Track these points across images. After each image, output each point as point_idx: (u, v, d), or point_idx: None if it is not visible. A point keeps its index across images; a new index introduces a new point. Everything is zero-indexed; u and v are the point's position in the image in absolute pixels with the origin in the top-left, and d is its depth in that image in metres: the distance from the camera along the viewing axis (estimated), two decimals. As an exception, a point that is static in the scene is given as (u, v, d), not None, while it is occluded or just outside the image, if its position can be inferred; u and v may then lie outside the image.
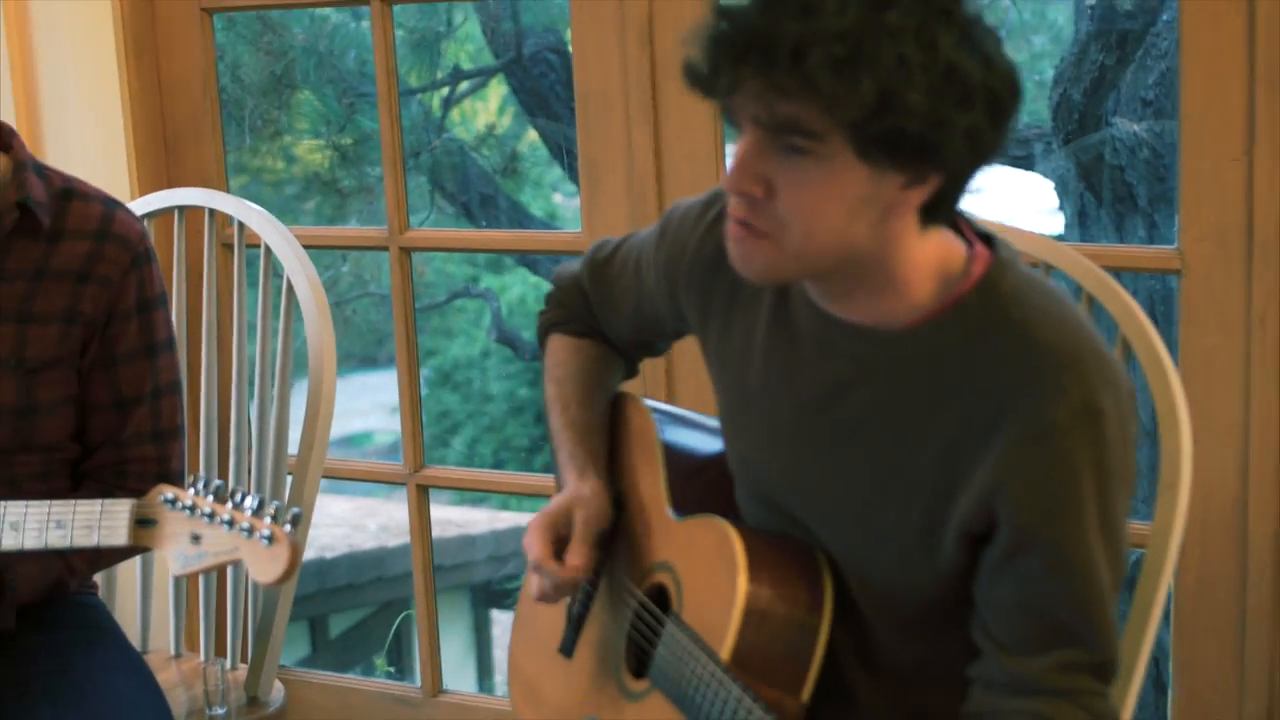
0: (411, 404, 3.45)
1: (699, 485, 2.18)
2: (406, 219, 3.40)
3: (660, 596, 2.11)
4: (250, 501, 2.05)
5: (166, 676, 2.79)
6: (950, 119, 1.69)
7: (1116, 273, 2.29)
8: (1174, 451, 2.17)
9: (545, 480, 3.37)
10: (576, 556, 2.12)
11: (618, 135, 3.13)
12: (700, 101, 2.95)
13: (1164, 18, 4.64)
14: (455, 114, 6.24)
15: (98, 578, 2.71)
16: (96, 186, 2.47)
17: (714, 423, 2.23)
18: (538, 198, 7.13)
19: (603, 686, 2.18)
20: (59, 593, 2.53)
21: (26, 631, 2.44)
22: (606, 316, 2.29)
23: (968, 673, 1.89)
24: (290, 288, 2.76)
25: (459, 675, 8.11)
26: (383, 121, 3.34)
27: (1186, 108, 2.71)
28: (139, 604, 2.93)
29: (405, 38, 5.66)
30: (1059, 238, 4.48)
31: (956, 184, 1.79)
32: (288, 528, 2.02)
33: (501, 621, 8.61)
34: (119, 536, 2.13)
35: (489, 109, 6.66)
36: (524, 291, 8.37)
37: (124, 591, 3.00)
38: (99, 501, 2.15)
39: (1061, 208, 4.91)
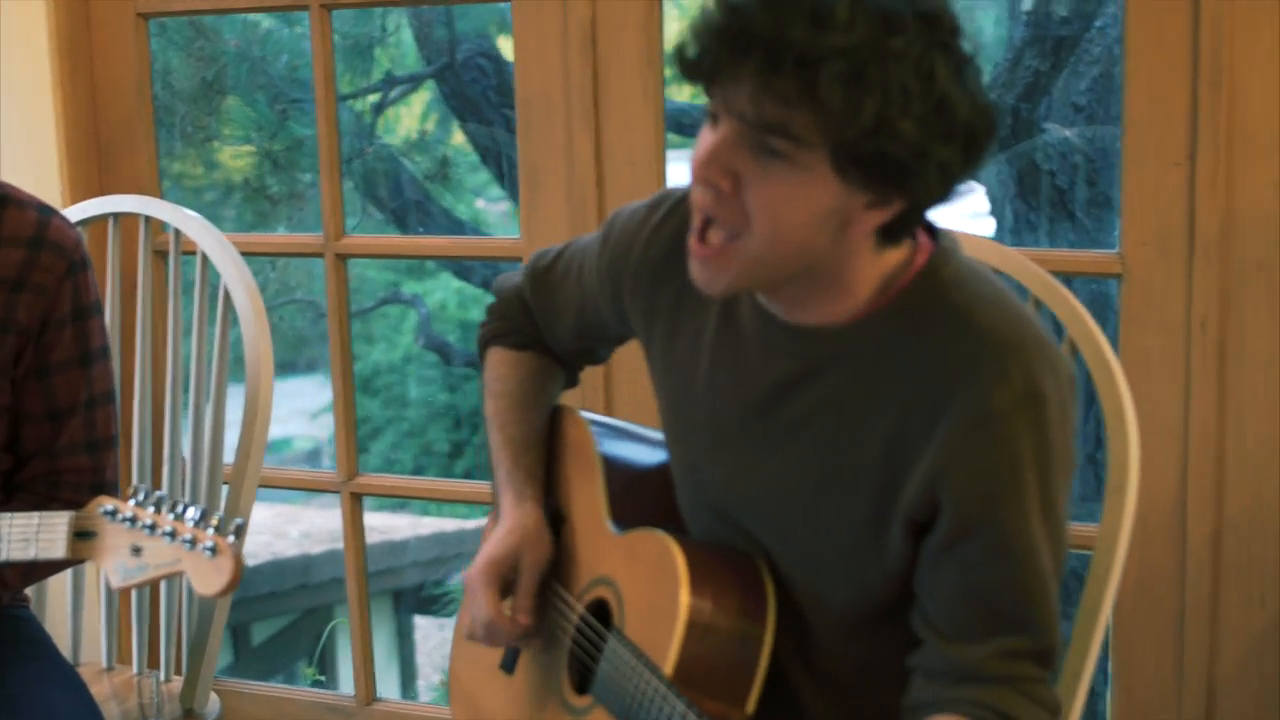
0: (346, 411, 3.42)
1: (638, 497, 2.16)
2: (342, 225, 3.37)
3: (601, 611, 2.09)
4: (192, 513, 2.02)
5: (99, 690, 2.75)
6: (931, 151, 1.69)
7: (1058, 278, 2.29)
8: (1121, 455, 2.17)
9: (479, 487, 3.35)
10: (526, 614, 2.12)
11: (559, 140, 3.11)
12: (642, 107, 3.02)
13: (1097, 24, 4.66)
14: (385, 120, 6.20)
15: (28, 590, 2.66)
16: (30, 193, 2.42)
17: (652, 434, 2.23)
18: (463, 203, 7.10)
19: (545, 703, 2.16)
20: (-9, 606, 2.49)
21: (-42, 647, 2.40)
22: (549, 325, 2.27)
23: (908, 663, 1.88)
24: (227, 295, 2.73)
25: (383, 682, 8.06)
26: (320, 128, 3.31)
27: (1130, 113, 2.72)
28: (69, 616, 2.88)
29: (339, 43, 5.62)
30: (992, 242, 4.47)
31: (917, 211, 1.78)
32: (231, 539, 2.00)
33: (424, 628, 8.58)
34: (57, 549, 2.09)
35: (417, 115, 6.63)
36: (446, 297, 8.36)
37: (54, 604, 2.95)
38: (36, 514, 2.11)
39: (994, 213, 4.92)
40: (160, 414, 2.99)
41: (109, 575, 2.07)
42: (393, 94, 5.96)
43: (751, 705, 1.90)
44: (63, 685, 2.42)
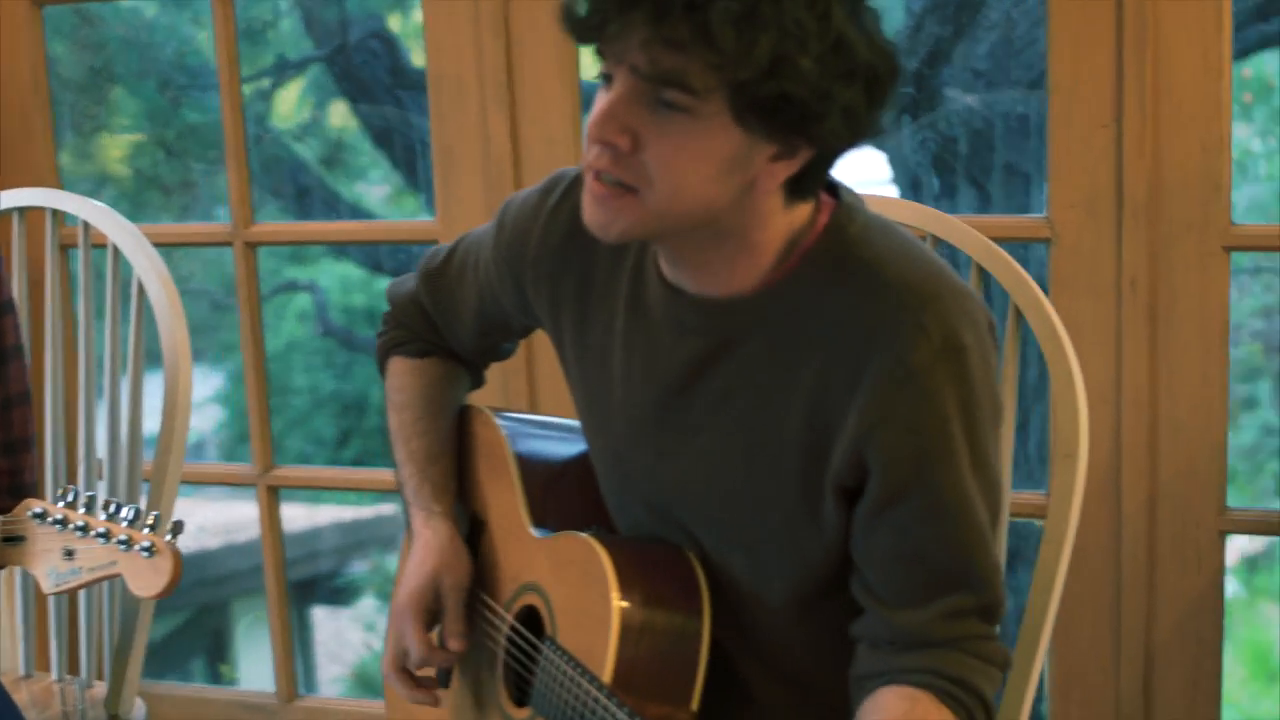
0: (259, 404, 3.35)
1: (558, 494, 2.10)
2: (250, 213, 3.29)
3: (531, 619, 2.03)
4: (126, 512, 1.96)
5: (17, 698, 2.66)
6: (833, 92, 1.64)
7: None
8: (1071, 422, 2.14)
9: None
10: (458, 638, 2.06)
11: (472, 121, 3.05)
12: (559, 85, 2.97)
13: (997, -12, 4.66)
14: (276, 105, 6.12)
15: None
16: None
17: (567, 424, 2.17)
18: (358, 186, 7.03)
19: (484, 716, 2.10)
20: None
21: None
22: (448, 325, 2.19)
23: (851, 632, 1.85)
24: (140, 287, 2.65)
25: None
26: (225, 114, 3.24)
27: (1054, 76, 2.71)
28: (-17, 623, 2.80)
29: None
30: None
31: (824, 161, 1.74)
32: (168, 537, 1.93)
33: (321, 619, 8.50)
34: (-16, 556, 2.02)
35: (304, 100, 6.54)
36: (329, 284, 8.27)
37: (-36, 612, 2.87)
38: (-41, 520, 2.04)
39: (896, 181, 4.91)
40: (74, 412, 2.90)
41: (41, 581, 2.01)
42: (284, 79, 5.88)
43: (695, 703, 1.86)
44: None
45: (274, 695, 3.50)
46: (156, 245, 2.71)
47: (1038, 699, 2.20)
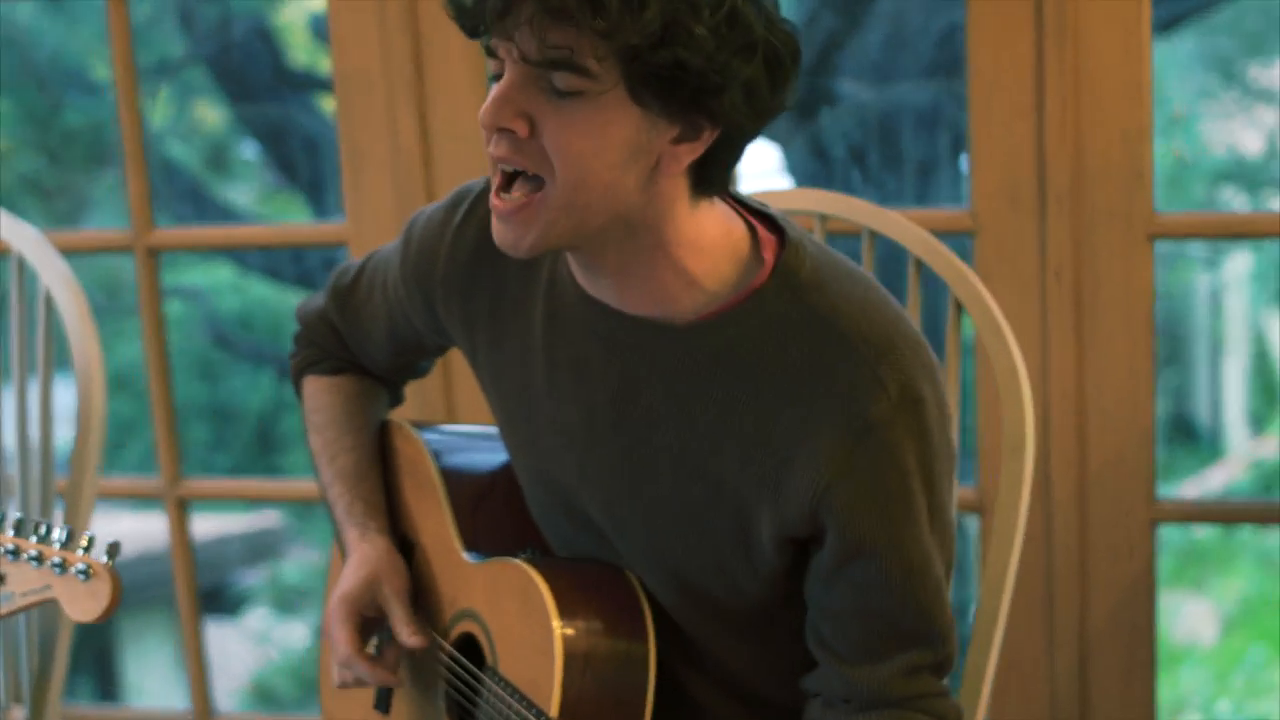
0: (165, 414, 3.26)
1: (487, 512, 2.04)
2: (150, 217, 3.20)
3: (469, 647, 1.97)
4: (58, 534, 1.90)
5: (-69, 726, 2.59)
6: (731, 65, 1.60)
7: None
8: (1017, 416, 2.12)
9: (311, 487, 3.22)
10: (413, 636, 1.97)
11: (380, 119, 2.98)
12: (469, 80, 2.91)
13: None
14: (159, 108, 6.02)
15: None
16: None
17: (490, 433, 2.10)
18: (238, 187, 6.93)
19: None
20: None
21: None
22: (360, 345, 2.12)
23: (803, 685, 1.82)
24: (48, 297, 2.56)
25: (175, 693, 7.84)
26: (122, 115, 3.15)
27: (974, 64, 2.70)
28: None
29: (99, 29, 5.42)
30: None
31: (728, 147, 1.69)
32: (104, 559, 1.87)
33: (214, 632, 8.36)
34: (-90, 584, 1.94)
35: (189, 100, 6.44)
36: (211, 285, 8.15)
37: None
38: (-119, 546, 1.95)
39: (788, 172, 4.89)
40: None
41: (-31, 608, 1.93)
42: (162, 80, 5.78)
43: None
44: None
45: (190, 713, 3.43)
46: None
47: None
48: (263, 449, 7.17)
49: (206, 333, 6.51)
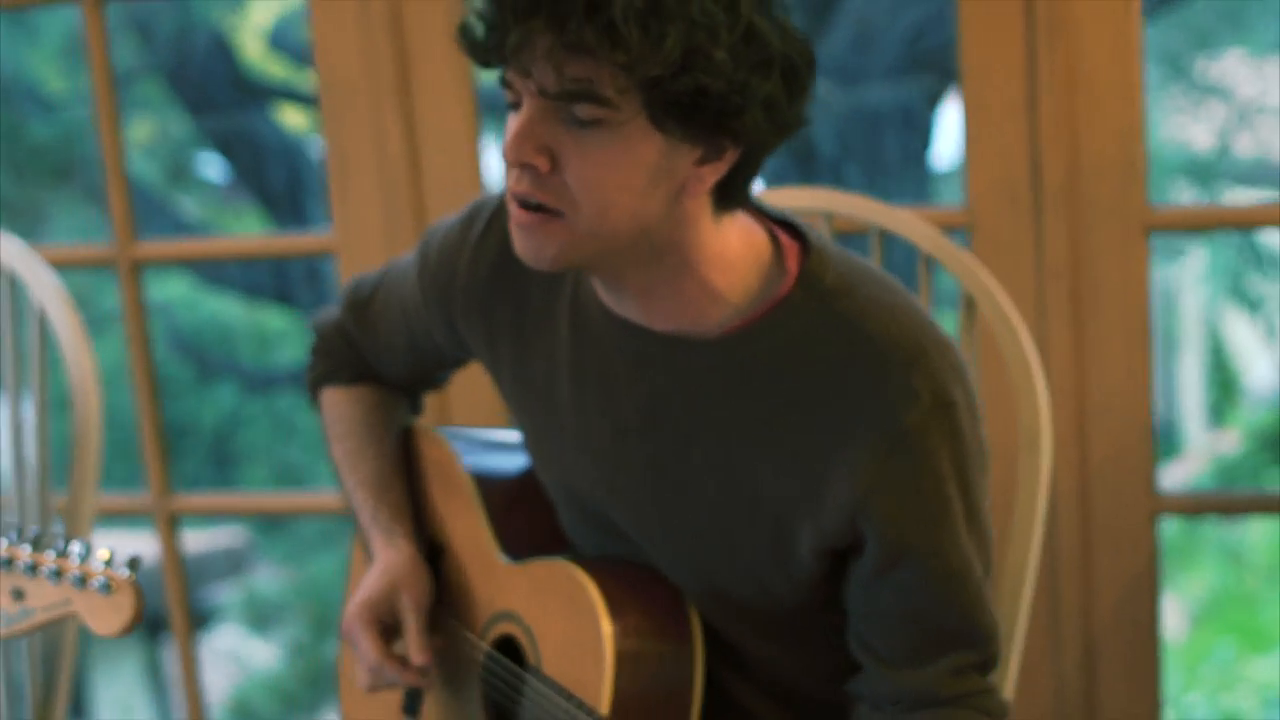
0: (152, 428, 3.23)
1: (521, 515, 2.02)
2: (132, 230, 3.17)
3: (509, 649, 1.95)
4: (77, 547, 1.87)
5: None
6: (750, 84, 1.59)
7: None
8: (1033, 411, 2.13)
9: (311, 499, 3.21)
10: (420, 653, 1.96)
11: (365, 127, 2.96)
12: (455, 85, 2.89)
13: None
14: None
15: None
16: None
17: (511, 436, 2.09)
18: (196, 200, 6.89)
19: None
20: None
21: None
22: (378, 358, 2.11)
23: (849, 690, 1.81)
24: (42, 314, 2.52)
25: (139, 714, 7.79)
26: (103, 126, 3.11)
27: (967, 61, 2.69)
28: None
29: (61, 44, 5.40)
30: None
31: (750, 161, 1.68)
32: (125, 572, 1.85)
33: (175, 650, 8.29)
34: (-72, 604, 1.91)
35: (147, 113, 6.40)
36: (173, 299, 8.10)
37: None
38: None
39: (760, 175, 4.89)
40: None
41: (-12, 626, 1.91)
42: (123, 93, 5.74)
43: None
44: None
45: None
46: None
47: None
48: (219, 464, 7.13)
49: (168, 347, 6.47)
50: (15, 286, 2.58)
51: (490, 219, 1.89)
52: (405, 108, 2.94)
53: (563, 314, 1.84)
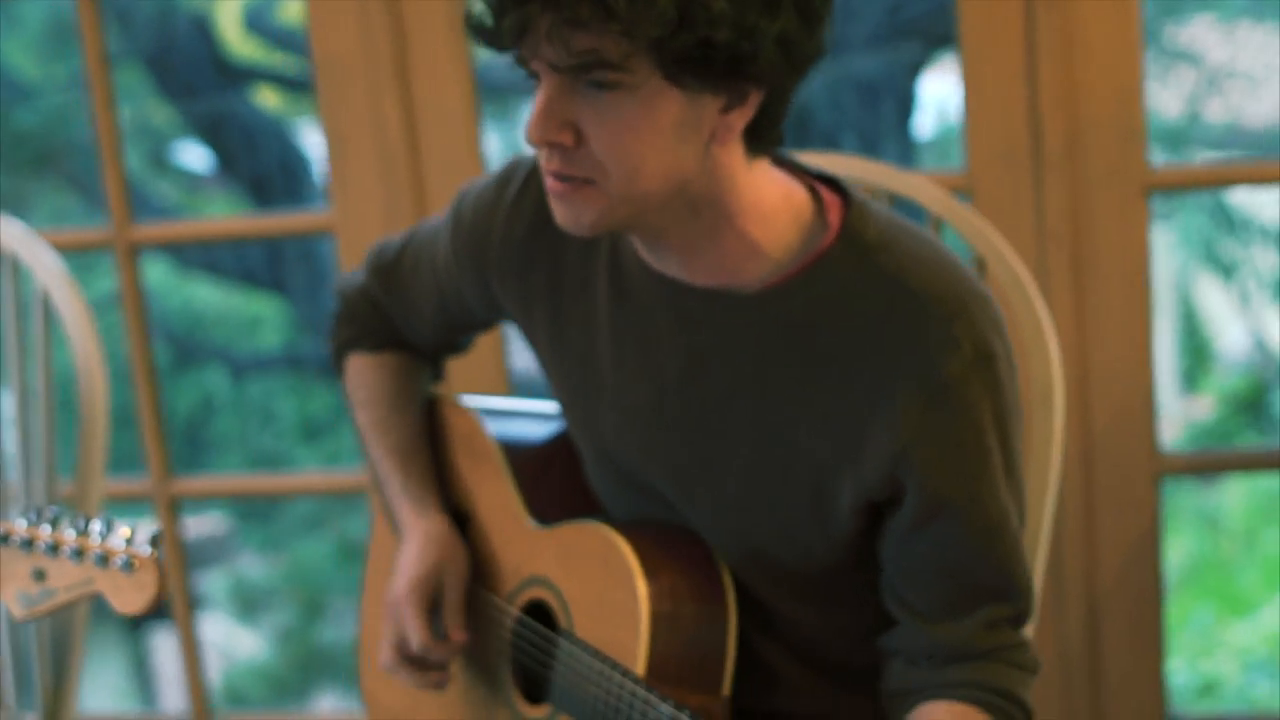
0: (151, 413, 3.22)
1: (550, 481, 2.03)
2: (129, 212, 3.15)
3: (540, 613, 1.95)
4: (97, 525, 1.86)
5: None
6: (759, 26, 1.58)
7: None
8: (1045, 368, 2.14)
9: (318, 479, 3.20)
10: (460, 630, 1.98)
11: (362, 105, 2.95)
12: (453, 60, 2.88)
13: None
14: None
15: None
16: None
17: (537, 405, 2.10)
18: (178, 185, 6.86)
19: (493, 716, 2.02)
20: None
21: None
22: (406, 321, 2.10)
23: (882, 645, 1.82)
24: (46, 300, 2.51)
25: (125, 699, 7.77)
26: (97, 108, 3.10)
27: (966, 26, 2.70)
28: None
29: (39, 29, 5.36)
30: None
31: (777, 102, 1.67)
32: (147, 549, 1.84)
33: (163, 639, 8.29)
34: (-50, 586, 1.90)
35: (128, 101, 6.37)
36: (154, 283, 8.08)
37: None
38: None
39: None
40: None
41: (10, 606, 1.90)
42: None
43: (727, 687, 1.82)
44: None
45: (189, 715, 3.40)
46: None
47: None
48: (192, 451, 7.08)
49: (160, 333, 6.44)
50: (18, 270, 2.57)
51: (526, 179, 1.89)
52: (402, 84, 2.93)
53: (601, 274, 1.85)
